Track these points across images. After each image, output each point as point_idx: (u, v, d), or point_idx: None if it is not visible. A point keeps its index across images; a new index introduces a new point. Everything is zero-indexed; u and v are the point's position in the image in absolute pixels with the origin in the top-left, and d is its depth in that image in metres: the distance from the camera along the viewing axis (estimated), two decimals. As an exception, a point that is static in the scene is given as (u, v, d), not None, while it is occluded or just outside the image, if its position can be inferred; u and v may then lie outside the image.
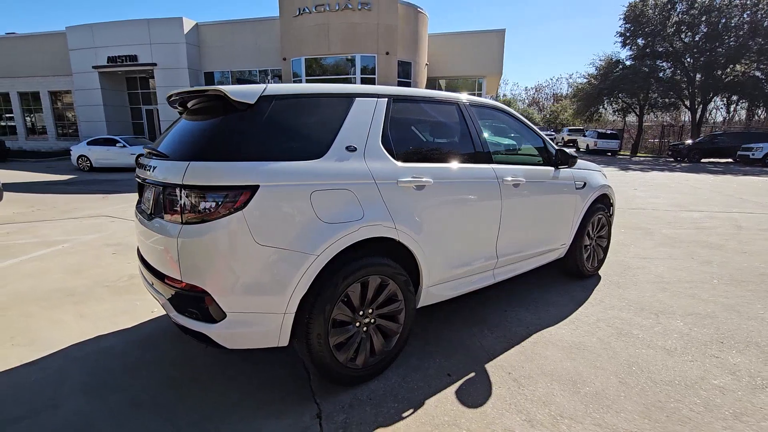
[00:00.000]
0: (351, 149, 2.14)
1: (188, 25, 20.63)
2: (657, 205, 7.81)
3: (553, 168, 3.26)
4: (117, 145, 14.96)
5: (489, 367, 2.42)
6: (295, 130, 2.04)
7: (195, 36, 21.01)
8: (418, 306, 2.51)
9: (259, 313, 1.89)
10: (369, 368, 2.25)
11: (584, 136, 29.34)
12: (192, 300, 1.87)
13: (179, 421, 1.97)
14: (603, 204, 3.92)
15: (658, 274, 4.03)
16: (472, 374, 2.35)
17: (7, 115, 24.87)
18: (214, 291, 1.83)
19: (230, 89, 1.91)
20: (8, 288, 3.65)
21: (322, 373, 2.11)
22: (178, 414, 2.02)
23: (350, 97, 2.24)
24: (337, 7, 16.74)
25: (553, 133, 38.58)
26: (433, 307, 3.13)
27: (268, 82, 4.43)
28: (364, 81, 17.63)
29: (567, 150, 3.30)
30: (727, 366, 2.41)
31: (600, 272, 4.06)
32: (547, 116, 54.21)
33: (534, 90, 63.69)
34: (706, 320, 3.03)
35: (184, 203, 1.81)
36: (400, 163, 2.30)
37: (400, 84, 18.30)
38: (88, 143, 15.29)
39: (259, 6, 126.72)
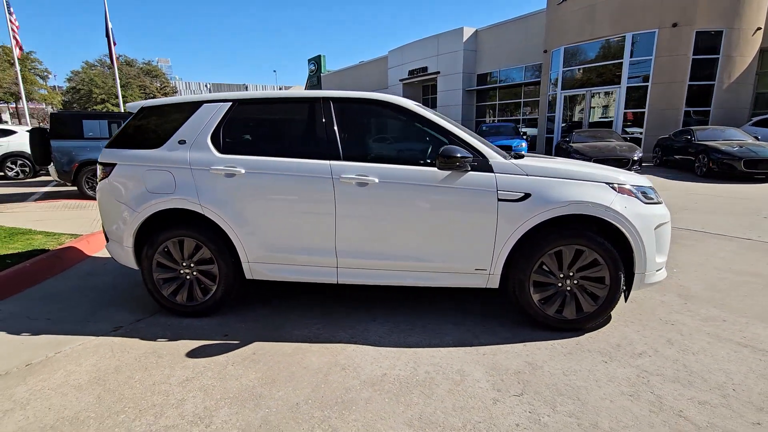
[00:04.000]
0: (181, 142, 2.91)
1: (468, 33, 22.81)
2: None
3: (438, 170, 2.66)
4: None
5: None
6: (151, 129, 3.03)
7: (473, 42, 22.99)
8: (249, 277, 2.96)
9: (118, 242, 3.06)
10: (189, 307, 3.00)
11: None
12: (104, 231, 3.24)
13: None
14: (591, 231, 2.64)
15: None
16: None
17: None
18: (103, 224, 3.14)
19: (130, 105, 3.11)
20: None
21: (152, 297, 3.05)
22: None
23: (199, 103, 2.97)
24: (604, -17, 14.46)
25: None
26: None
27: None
28: (635, 65, 14.55)
29: (456, 149, 2.57)
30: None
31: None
32: None
33: None
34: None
35: (99, 172, 3.17)
36: (220, 155, 2.85)
37: (699, 62, 13.89)
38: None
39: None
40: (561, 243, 2.65)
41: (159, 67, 45.99)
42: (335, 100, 2.88)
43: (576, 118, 16.92)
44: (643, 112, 14.71)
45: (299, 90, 51.15)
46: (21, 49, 16.73)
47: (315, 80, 38.80)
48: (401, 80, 27.15)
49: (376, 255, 2.80)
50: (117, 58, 18.88)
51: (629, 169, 10.58)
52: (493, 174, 2.67)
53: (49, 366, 2.41)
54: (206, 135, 2.90)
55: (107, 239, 3.19)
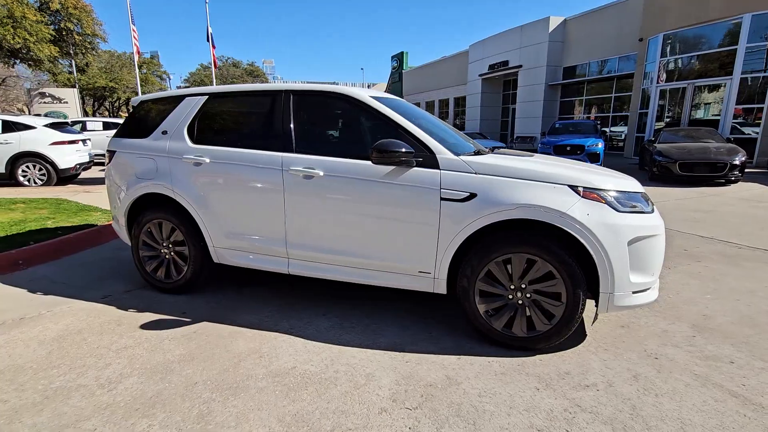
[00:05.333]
0: (164, 133, 3.18)
1: (555, 23, 21.17)
2: None
3: (373, 164, 2.53)
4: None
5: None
6: (144, 120, 3.35)
7: (560, 32, 21.28)
8: (216, 261, 3.15)
9: (116, 220, 3.46)
10: (166, 283, 3.29)
11: None
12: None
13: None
14: (548, 240, 2.32)
15: None
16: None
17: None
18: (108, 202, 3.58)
19: (134, 99, 3.48)
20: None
21: (138, 271, 3.39)
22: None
23: (182, 97, 3.21)
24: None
25: None
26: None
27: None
28: (752, 53, 12.26)
29: (392, 144, 2.41)
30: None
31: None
32: None
33: None
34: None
35: (105, 158, 3.61)
36: (193, 145, 3.06)
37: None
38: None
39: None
40: (510, 250, 2.38)
41: (264, 67, 50.25)
42: (295, 92, 2.91)
43: (673, 116, 14.78)
44: (761, 108, 12.31)
45: (381, 88, 51.95)
46: (139, 54, 19.56)
47: (396, 77, 39.24)
48: (480, 75, 26.19)
49: (323, 249, 2.78)
50: (216, 60, 21.09)
51: (727, 176, 8.98)
52: (438, 171, 2.48)
53: (34, 322, 2.83)
54: (183, 126, 3.14)
55: (113, 217, 3.63)
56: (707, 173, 9.09)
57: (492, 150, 3.12)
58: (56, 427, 1.83)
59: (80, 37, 20.38)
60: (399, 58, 38.85)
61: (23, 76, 33.30)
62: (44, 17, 18.16)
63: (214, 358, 2.39)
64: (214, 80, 20.57)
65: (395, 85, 40.03)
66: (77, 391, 2.08)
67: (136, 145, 3.30)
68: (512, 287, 2.43)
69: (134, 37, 18.97)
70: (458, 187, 2.43)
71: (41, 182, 8.55)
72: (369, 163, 2.58)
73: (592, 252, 2.24)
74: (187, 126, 3.14)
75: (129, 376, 2.21)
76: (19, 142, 8.26)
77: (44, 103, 20.42)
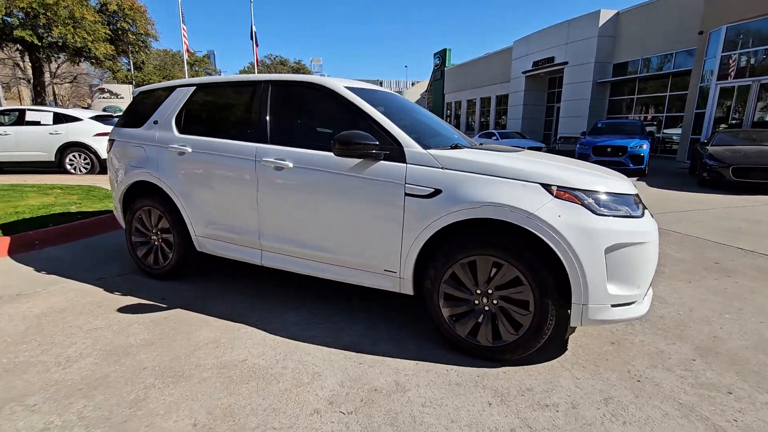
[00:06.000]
0: (155, 123, 3.26)
1: (606, 16, 19.97)
2: None
3: (334, 156, 2.43)
4: (492, 138, 17.93)
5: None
6: (140, 111, 3.45)
7: (611, 26, 20.04)
8: (199, 250, 3.19)
9: (115, 206, 3.61)
10: (153, 269, 3.38)
11: None
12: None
13: (126, 255, 4.06)
14: (513, 242, 2.12)
15: None
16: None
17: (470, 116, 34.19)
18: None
19: (135, 90, 3.61)
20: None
21: (131, 256, 3.51)
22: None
23: (174, 88, 3.28)
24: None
25: None
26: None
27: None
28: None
29: (354, 135, 2.29)
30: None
31: (517, 366, 2.21)
32: None
33: None
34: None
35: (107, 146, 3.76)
36: (179, 135, 3.11)
37: None
38: (479, 136, 19.23)
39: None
40: (475, 252, 2.21)
41: (312, 65, 51.48)
42: (273, 83, 2.88)
43: (735, 116, 13.45)
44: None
45: (423, 86, 51.38)
46: (189, 52, 20.60)
47: (438, 75, 38.71)
48: (524, 72, 25.23)
49: (293, 241, 2.73)
50: (258, 58, 21.78)
51: (789, 183, 8.02)
52: (404, 165, 2.35)
53: (27, 298, 3.00)
54: (172, 116, 3.20)
55: (114, 204, 3.79)
56: (765, 180, 8.16)
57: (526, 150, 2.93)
58: (3, 400, 1.90)
59: (134, 37, 21.90)
60: (442, 55, 38.28)
61: (92, 74, 36.23)
62: (102, 18, 19.65)
63: (173, 345, 2.40)
64: (257, 77, 21.27)
65: (436, 83, 39.51)
66: (35, 367, 2.16)
67: (131, 134, 3.41)
68: (478, 292, 2.26)
69: (184, 36, 19.99)
70: (423, 183, 2.29)
71: (85, 170, 9.19)
72: (327, 153, 2.49)
73: (562, 258, 2.03)
74: (175, 116, 3.20)
75: (87, 356, 2.27)
76: (67, 133, 8.93)
77: (103, 98, 22.16)
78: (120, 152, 3.47)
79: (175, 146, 3.08)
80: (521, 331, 2.18)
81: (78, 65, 23.79)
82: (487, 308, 2.26)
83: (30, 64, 20.94)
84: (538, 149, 16.81)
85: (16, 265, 3.66)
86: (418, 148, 2.37)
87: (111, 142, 3.58)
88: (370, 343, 2.49)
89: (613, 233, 2.04)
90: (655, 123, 19.04)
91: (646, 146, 11.11)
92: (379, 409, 1.89)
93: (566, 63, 21.96)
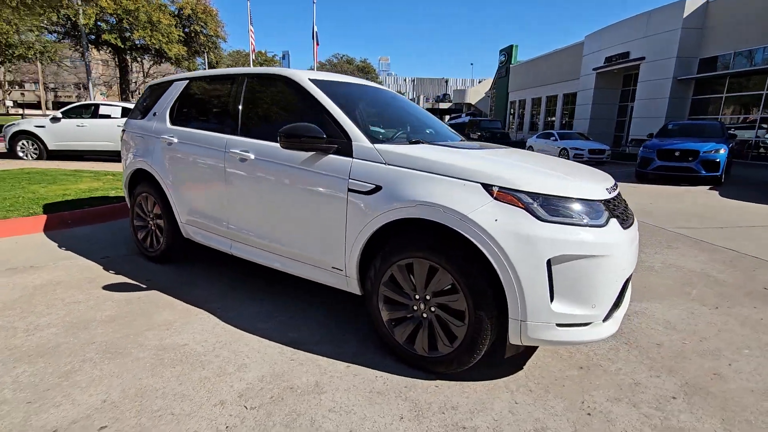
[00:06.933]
0: (154, 114, 3.46)
1: (693, 5, 17.87)
2: None
3: (281, 148, 2.39)
4: (551, 138, 16.88)
5: (157, 294, 2.96)
6: (146, 103, 3.68)
7: (698, 17, 17.91)
8: (185, 236, 3.35)
9: (124, 191, 3.91)
10: (149, 251, 3.60)
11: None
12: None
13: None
14: (448, 245, 1.94)
15: None
16: (150, 289, 3.05)
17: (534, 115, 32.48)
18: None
19: (151, 82, 3.87)
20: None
21: (132, 238, 3.76)
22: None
23: (172, 82, 3.46)
24: None
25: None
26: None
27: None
28: None
29: (301, 128, 2.22)
30: None
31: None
32: None
33: None
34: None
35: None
36: (170, 126, 3.28)
37: None
38: (537, 137, 18.21)
39: None
40: (411, 254, 2.06)
41: (380, 64, 52.24)
42: (249, 76, 2.92)
43: None
44: None
45: (488, 83, 49.77)
46: (254, 51, 21.85)
47: (503, 72, 37.25)
48: (595, 69, 23.40)
49: (255, 233, 2.76)
50: (317, 57, 22.48)
51: None
52: (350, 159, 2.26)
53: (36, 270, 3.33)
54: (167, 108, 3.38)
55: (126, 190, 4.11)
56: None
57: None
58: (-35, 358, 2.13)
59: (205, 38, 23.78)
60: (508, 52, 36.75)
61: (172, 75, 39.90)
62: (177, 21, 21.56)
63: (132, 324, 2.53)
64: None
65: (501, 81, 38.04)
66: (6, 331, 2.39)
67: (136, 125, 3.66)
68: (416, 297, 2.11)
69: (251, 36, 21.20)
70: (365, 178, 2.18)
71: (146, 160, 10.12)
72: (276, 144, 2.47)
73: (496, 266, 1.81)
74: (169, 108, 3.37)
75: (53, 326, 2.47)
76: (132, 125, 9.89)
77: (180, 95, 24.35)
78: (127, 142, 3.75)
79: (166, 137, 3.25)
80: (455, 343, 2.00)
81: (160, 65, 26.41)
82: (425, 315, 2.10)
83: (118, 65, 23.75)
84: (601, 152, 15.51)
85: (45, 241, 4.11)
86: (365, 142, 2.26)
87: (123, 132, 3.87)
88: (314, 341, 2.43)
89: (560, 243, 1.78)
90: (747, 125, 16.72)
91: (723, 151, 9.76)
92: (283, 408, 1.83)
93: (643, 58, 20.01)
